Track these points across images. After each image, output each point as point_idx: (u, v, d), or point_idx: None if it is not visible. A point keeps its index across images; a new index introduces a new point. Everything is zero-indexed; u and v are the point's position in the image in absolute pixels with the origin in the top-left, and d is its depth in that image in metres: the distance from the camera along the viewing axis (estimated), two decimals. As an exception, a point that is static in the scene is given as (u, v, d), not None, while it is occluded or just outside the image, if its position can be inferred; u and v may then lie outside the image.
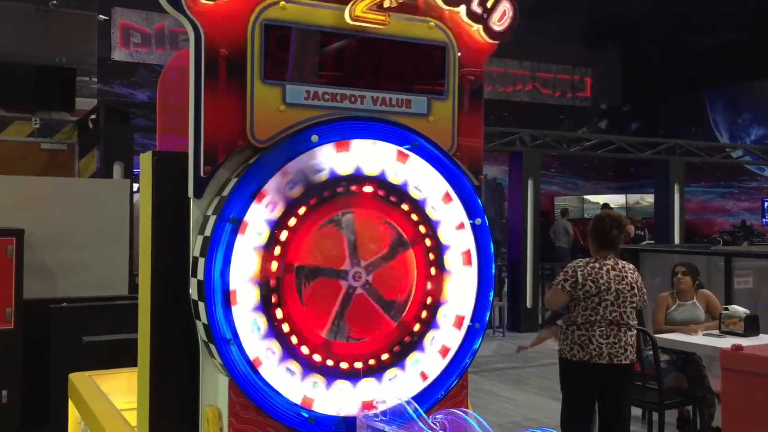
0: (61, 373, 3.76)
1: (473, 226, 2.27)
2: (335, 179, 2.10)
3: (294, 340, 2.04)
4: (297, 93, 2.09)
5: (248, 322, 1.99)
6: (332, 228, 2.13)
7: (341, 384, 2.11)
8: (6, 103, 9.57)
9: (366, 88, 2.19)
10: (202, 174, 2.01)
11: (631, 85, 21.40)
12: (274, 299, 2.02)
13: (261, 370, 2.00)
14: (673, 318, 6.19)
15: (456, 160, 2.26)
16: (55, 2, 9.81)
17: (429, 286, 2.23)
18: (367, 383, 2.14)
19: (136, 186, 8.18)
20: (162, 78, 2.66)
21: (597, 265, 4.64)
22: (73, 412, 3.26)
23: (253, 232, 2.00)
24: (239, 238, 1.97)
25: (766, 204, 18.29)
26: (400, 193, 2.19)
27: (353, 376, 2.12)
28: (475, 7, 2.30)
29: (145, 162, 2.23)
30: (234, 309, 1.97)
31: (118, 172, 8.96)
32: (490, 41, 2.34)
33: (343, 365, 2.11)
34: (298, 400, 2.06)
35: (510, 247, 12.15)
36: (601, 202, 18.44)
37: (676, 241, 13.14)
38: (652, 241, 14.27)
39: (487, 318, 2.31)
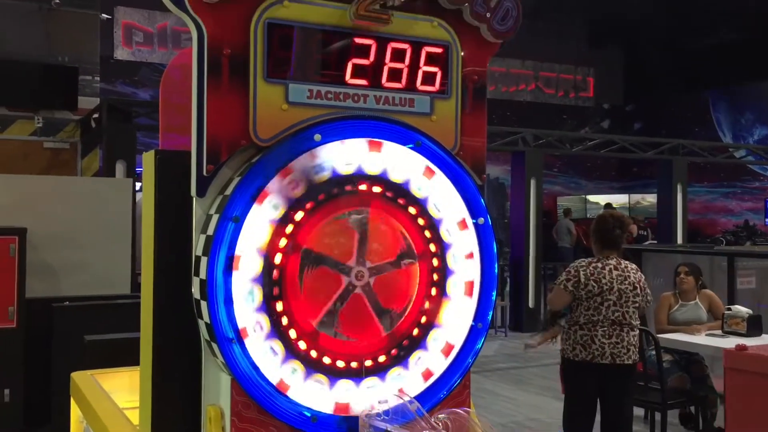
0: (63, 372, 3.76)
1: (476, 225, 2.26)
2: (359, 176, 2.09)
3: (293, 334, 2.03)
4: (300, 92, 2.09)
5: (251, 320, 1.99)
6: (344, 223, 2.12)
7: (344, 383, 2.10)
8: (9, 102, 9.58)
9: (369, 87, 2.18)
10: (204, 173, 2.01)
11: (634, 84, 21.40)
12: (275, 292, 2.01)
13: (263, 369, 2.00)
14: (675, 318, 6.18)
15: (459, 159, 2.26)
16: (57, 1, 9.82)
17: (426, 305, 2.22)
18: (371, 382, 2.13)
19: (138, 185, 8.19)
20: (165, 77, 2.65)
21: (600, 264, 4.63)
22: (75, 411, 3.26)
23: (253, 232, 1.99)
24: (242, 237, 1.97)
25: (769, 204, 18.30)
26: (419, 206, 2.18)
27: (356, 375, 2.11)
28: (479, 7, 2.29)
29: (147, 161, 2.22)
30: (236, 306, 1.96)
31: (121, 171, 8.97)
32: (494, 41, 2.34)
33: (340, 363, 2.09)
34: (300, 400, 2.05)
35: (512, 246, 12.15)
36: (604, 202, 18.43)
37: (679, 241, 13.14)
38: (655, 241, 14.25)
39: (489, 318, 2.31)
